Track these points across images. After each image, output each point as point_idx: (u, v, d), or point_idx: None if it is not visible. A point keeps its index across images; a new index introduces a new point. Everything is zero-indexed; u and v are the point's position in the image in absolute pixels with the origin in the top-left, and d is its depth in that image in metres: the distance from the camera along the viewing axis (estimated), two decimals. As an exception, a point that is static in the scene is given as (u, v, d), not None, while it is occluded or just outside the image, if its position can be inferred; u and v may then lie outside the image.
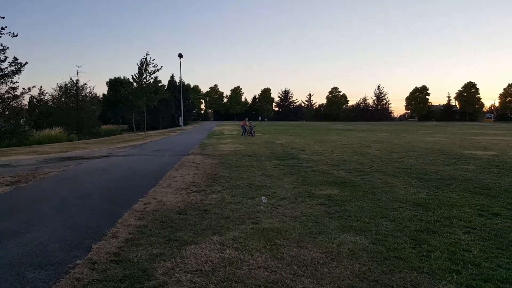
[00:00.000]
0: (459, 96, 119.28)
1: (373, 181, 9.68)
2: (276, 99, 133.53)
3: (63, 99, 49.16)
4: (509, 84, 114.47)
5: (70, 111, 43.13)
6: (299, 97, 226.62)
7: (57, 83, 60.66)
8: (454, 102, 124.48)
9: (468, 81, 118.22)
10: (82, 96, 46.04)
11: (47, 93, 68.96)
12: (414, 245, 4.86)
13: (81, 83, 45.48)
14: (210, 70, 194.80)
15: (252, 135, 30.27)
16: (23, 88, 28.63)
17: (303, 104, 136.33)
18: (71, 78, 46.15)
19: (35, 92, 66.86)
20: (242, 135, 31.23)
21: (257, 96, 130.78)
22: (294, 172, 11.07)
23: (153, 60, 50.45)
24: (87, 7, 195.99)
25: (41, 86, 70.61)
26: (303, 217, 6.21)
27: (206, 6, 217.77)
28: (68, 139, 37.39)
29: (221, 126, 58.66)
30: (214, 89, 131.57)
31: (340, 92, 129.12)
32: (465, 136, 30.65)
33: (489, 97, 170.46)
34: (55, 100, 54.03)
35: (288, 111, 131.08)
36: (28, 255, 4.54)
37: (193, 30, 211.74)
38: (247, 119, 33.80)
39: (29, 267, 4.18)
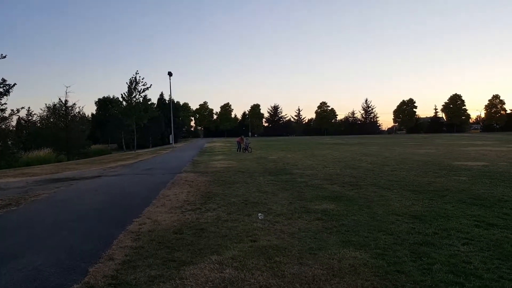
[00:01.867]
0: (446, 108, 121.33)
1: (368, 194, 9.70)
2: (266, 114, 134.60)
3: (51, 120, 48.72)
4: (493, 95, 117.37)
5: (59, 131, 42.73)
6: (288, 112, 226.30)
7: (46, 104, 60.21)
8: (441, 114, 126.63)
9: (454, 93, 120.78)
10: (71, 116, 45.70)
11: (35, 114, 68.64)
12: (415, 259, 4.84)
13: (70, 103, 45.24)
14: (199, 87, 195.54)
15: (248, 152, 30.10)
16: (12, 110, 28.42)
17: (292, 119, 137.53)
18: (59, 99, 45.92)
19: (22, 113, 66.49)
20: (237, 151, 31.13)
21: (247, 112, 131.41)
22: (288, 188, 11.04)
23: (142, 79, 50.39)
24: (75, 26, 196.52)
25: (29, 107, 70.21)
26: (301, 233, 6.17)
27: (194, 24, 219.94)
28: (57, 160, 36.92)
29: (212, 143, 58.60)
30: (203, 106, 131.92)
31: (328, 106, 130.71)
32: (454, 148, 31.01)
33: (475, 108, 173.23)
34: (43, 121, 53.53)
35: (277, 126, 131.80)
36: (23, 281, 4.42)
37: (182, 48, 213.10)
38: (243, 136, 34.00)
39: (24, 294, 4.05)
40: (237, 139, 33.79)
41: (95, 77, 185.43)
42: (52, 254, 5.39)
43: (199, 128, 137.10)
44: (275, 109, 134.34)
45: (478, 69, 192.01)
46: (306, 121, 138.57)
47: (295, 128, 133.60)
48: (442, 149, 29.69)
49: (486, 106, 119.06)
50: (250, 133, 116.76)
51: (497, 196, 9.07)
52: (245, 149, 30.66)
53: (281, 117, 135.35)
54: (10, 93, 27.86)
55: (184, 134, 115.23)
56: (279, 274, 4.44)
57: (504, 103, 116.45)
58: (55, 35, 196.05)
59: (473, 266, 4.55)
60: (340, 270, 4.52)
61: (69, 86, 65.63)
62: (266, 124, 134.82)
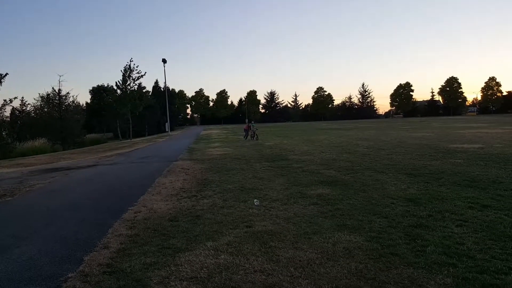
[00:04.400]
0: (442, 91, 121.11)
1: (363, 178, 9.72)
2: (263, 101, 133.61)
3: (45, 110, 48.29)
4: (490, 77, 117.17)
5: (53, 121, 42.40)
6: (285, 98, 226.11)
7: (39, 93, 59.59)
8: (437, 97, 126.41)
9: (450, 76, 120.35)
10: (65, 105, 45.31)
11: (29, 104, 67.80)
12: (409, 241, 4.87)
13: (63, 92, 44.81)
14: (194, 74, 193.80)
15: (255, 139, 28.54)
16: (4, 100, 28.19)
17: (289, 105, 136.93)
18: (53, 88, 45.40)
19: (16, 104, 65.69)
20: (244, 138, 30.30)
21: (243, 98, 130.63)
22: (284, 173, 11.05)
23: (137, 67, 49.90)
24: (68, 15, 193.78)
25: (22, 97, 69.44)
26: (296, 218, 6.18)
27: (189, 11, 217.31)
28: (52, 150, 36.74)
29: (208, 131, 58.49)
30: (199, 94, 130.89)
31: (325, 91, 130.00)
32: (451, 130, 31.10)
33: (471, 91, 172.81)
34: (37, 111, 53.05)
35: (274, 112, 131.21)
36: (18, 270, 4.42)
37: (176, 35, 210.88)
38: (250, 123, 32.32)
39: (20, 283, 4.06)
40: (244, 126, 32.97)
41: (89, 65, 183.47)
42: (47, 244, 5.39)
43: (195, 115, 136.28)
44: (271, 95, 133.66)
45: (474, 51, 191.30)
46: (303, 106, 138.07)
47: (292, 114, 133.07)
48: (439, 132, 29.76)
49: (482, 88, 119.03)
50: (247, 120, 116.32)
51: (492, 178, 9.12)
52: (253, 136, 29.38)
53: (278, 103, 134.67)
54: (2, 83, 27.66)
55: (180, 121, 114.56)
56: (274, 259, 4.46)
57: (500, 85, 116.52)
58: (48, 24, 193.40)
59: (466, 247, 4.59)
60: (334, 254, 4.55)
61: (62, 75, 64.58)
62: (263, 111, 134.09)
